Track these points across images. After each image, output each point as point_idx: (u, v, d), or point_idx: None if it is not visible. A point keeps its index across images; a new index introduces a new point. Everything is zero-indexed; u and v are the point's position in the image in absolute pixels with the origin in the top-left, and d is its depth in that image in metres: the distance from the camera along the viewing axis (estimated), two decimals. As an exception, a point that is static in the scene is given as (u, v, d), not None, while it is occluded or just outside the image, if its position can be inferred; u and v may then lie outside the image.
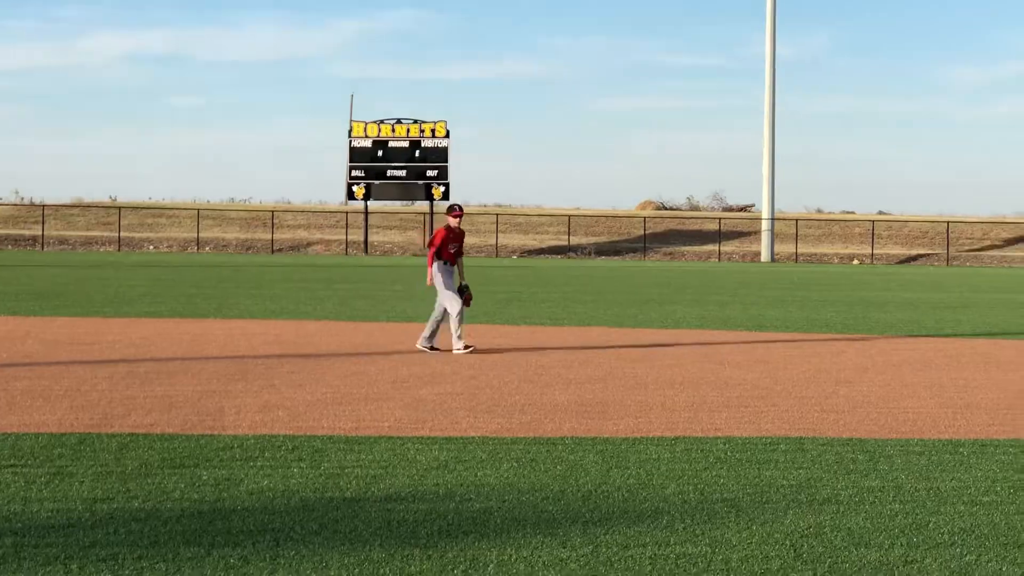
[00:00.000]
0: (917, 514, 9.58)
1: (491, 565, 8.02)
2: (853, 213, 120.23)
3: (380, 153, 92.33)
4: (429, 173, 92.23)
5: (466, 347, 20.67)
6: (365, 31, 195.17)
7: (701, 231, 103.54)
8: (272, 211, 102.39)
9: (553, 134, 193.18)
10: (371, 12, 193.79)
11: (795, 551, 8.46)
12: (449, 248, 21.17)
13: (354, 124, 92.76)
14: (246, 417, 13.64)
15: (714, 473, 11.02)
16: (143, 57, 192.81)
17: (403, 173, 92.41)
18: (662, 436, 12.88)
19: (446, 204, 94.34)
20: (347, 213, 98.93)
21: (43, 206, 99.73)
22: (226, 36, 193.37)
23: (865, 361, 20.74)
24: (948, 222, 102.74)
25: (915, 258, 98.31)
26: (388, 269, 63.60)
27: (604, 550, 8.40)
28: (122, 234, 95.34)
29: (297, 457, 11.43)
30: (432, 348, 20.93)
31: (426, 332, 21.15)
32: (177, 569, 7.81)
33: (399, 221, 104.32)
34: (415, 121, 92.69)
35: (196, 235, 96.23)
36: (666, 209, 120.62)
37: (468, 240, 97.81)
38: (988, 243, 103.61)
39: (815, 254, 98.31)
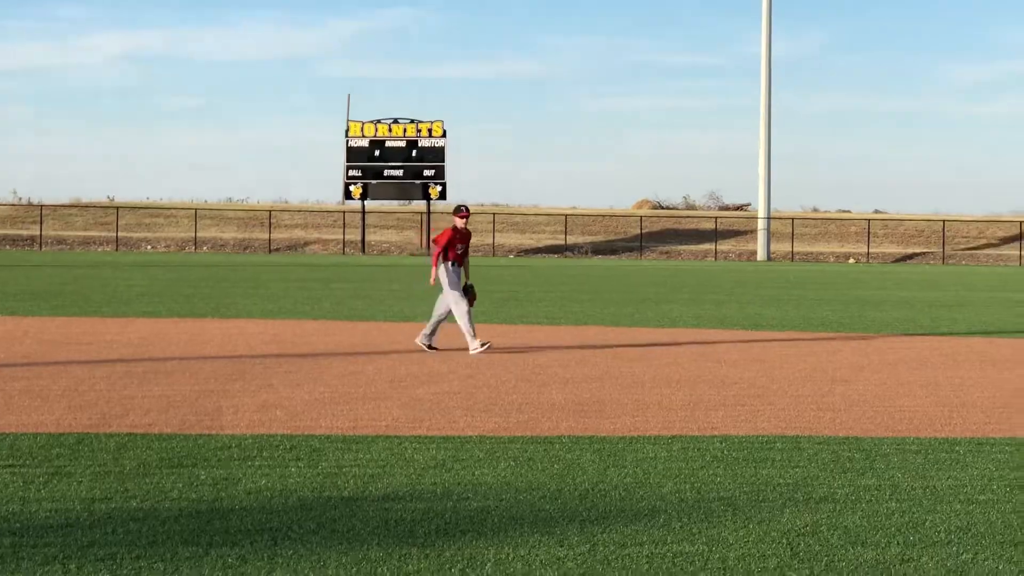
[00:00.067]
0: (913, 512, 9.61)
1: (488, 564, 8.04)
2: (849, 212, 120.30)
3: (377, 153, 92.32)
4: (426, 173, 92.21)
5: (483, 344, 20.58)
6: (362, 30, 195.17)
7: (697, 230, 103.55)
8: (269, 211, 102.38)
9: (550, 133, 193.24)
10: (368, 11, 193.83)
11: (791, 549, 8.48)
12: (456, 249, 21.13)
13: (351, 124, 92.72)
14: (244, 417, 13.66)
15: (711, 472, 11.04)
16: (140, 57, 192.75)
17: (400, 173, 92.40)
18: (659, 435, 12.90)
19: (443, 204, 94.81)
20: (344, 213, 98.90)
21: (41, 206, 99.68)
22: (223, 36, 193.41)
23: (861, 360, 20.77)
24: (944, 221, 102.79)
25: (911, 257, 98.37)
26: (385, 269, 63.61)
27: (601, 549, 8.42)
28: (120, 234, 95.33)
29: (295, 456, 11.45)
30: (430, 347, 20.92)
31: (427, 330, 21.15)
32: (175, 569, 7.83)
33: (396, 221, 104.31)
34: (412, 121, 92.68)
35: (194, 235, 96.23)
36: (662, 208, 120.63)
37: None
38: (984, 242, 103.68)
39: (811, 253, 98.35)
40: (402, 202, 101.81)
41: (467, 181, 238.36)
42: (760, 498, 10.02)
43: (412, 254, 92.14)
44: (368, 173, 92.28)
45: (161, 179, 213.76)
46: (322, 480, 10.45)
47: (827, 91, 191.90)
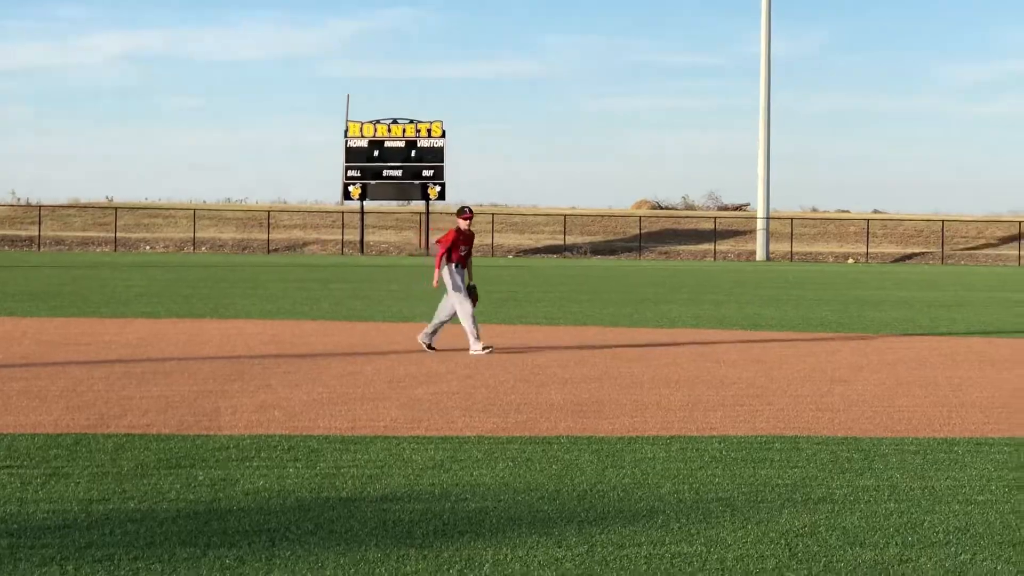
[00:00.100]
0: (912, 513, 9.60)
1: (487, 565, 8.04)
2: (848, 212, 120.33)
3: (376, 153, 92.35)
4: (425, 173, 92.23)
5: (484, 348, 20.54)
6: (362, 30, 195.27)
7: (696, 230, 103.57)
8: (268, 211, 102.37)
9: (549, 133, 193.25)
10: (368, 11, 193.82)
11: (790, 550, 8.47)
12: (459, 250, 21.09)
13: (350, 124, 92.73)
14: (242, 417, 13.65)
15: (709, 472, 11.03)
16: (140, 57, 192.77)
17: (399, 173, 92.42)
18: (658, 435, 12.89)
19: (442, 204, 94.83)
20: (343, 213, 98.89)
21: (39, 207, 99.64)
22: (223, 36, 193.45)
23: (860, 360, 20.77)
24: (943, 221, 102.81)
25: (910, 257, 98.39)
26: (384, 269, 63.61)
27: (599, 549, 8.42)
28: (118, 234, 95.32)
29: (293, 457, 11.44)
30: (430, 347, 20.90)
31: (428, 329, 21.11)
32: (173, 570, 7.82)
33: (395, 221, 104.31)
34: (411, 121, 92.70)
35: (192, 235, 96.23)
36: (662, 208, 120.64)
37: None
38: (983, 242, 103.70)
39: (810, 253, 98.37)
40: (401, 202, 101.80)
41: (466, 181, 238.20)
42: (758, 499, 10.02)
43: (411, 254, 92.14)
44: (367, 173, 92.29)
45: (160, 179, 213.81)
46: (320, 481, 10.44)
47: (826, 91, 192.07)
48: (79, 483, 10.20)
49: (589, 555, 8.29)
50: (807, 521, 9.27)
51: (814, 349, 22.65)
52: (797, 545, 8.60)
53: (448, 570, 7.92)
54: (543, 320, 29.04)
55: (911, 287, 51.46)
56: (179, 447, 11.81)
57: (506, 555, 8.25)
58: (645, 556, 8.28)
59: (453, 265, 21.03)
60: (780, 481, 10.69)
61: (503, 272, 61.72)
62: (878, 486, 10.56)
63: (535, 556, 8.24)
